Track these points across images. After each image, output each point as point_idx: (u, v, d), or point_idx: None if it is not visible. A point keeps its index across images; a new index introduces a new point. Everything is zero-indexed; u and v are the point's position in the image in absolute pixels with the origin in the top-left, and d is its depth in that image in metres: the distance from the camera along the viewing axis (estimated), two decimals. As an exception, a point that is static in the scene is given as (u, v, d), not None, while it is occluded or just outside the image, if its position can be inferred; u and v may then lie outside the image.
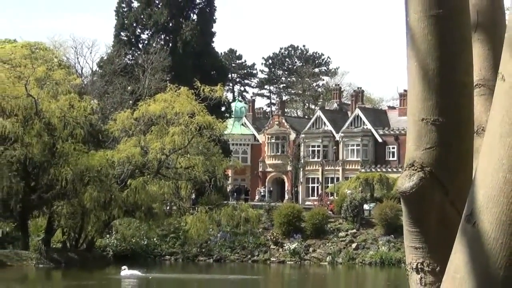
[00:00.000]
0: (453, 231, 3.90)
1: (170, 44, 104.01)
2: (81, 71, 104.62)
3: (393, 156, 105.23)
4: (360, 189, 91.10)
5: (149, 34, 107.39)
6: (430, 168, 4.18)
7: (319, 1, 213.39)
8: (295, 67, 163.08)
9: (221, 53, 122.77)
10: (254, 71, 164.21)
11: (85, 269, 69.64)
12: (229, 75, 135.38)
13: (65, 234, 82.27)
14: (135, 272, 68.03)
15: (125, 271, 68.01)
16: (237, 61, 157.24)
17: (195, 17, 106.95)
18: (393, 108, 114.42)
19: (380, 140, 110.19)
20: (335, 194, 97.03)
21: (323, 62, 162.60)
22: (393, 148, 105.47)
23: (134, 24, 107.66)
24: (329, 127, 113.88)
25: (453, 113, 4.22)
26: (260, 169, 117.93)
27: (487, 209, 3.69)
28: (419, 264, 4.26)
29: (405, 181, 4.23)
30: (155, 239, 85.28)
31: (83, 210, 78.05)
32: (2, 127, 75.00)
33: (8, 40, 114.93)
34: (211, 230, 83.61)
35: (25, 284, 66.90)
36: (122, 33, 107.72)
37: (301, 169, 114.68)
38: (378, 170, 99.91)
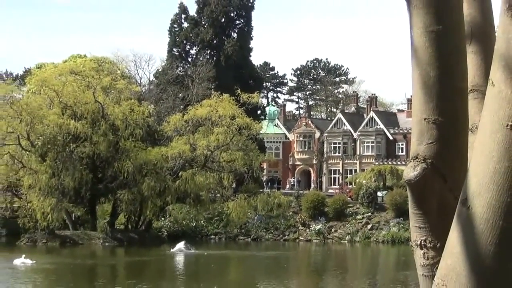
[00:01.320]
0: (451, 213, 3.88)
1: (214, 58, 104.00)
2: (140, 81, 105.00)
3: (402, 151, 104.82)
4: (374, 179, 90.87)
5: (196, 50, 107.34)
6: (431, 160, 4.17)
7: (340, 21, 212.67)
8: (319, 77, 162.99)
9: (257, 65, 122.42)
10: (285, 80, 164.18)
11: (143, 246, 69.74)
12: (264, 84, 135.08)
13: (127, 217, 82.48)
14: (183, 247, 68.26)
15: (178, 246, 68.26)
16: (271, 72, 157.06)
17: (235, 35, 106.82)
18: (402, 111, 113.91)
19: (391, 138, 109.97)
20: (353, 183, 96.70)
21: (343, 73, 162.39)
22: (402, 144, 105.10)
23: (184, 41, 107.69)
24: (348, 127, 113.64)
25: (450, 114, 4.21)
26: (290, 163, 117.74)
27: (479, 195, 3.68)
28: (422, 241, 4.25)
29: (410, 171, 4.22)
30: (202, 221, 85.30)
31: (142, 197, 78.23)
32: (74, 128, 75.40)
33: (79, 55, 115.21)
34: (249, 214, 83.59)
35: (94, 259, 66.98)
36: (174, 49, 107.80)
37: (325, 163, 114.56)
38: (389, 163, 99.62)
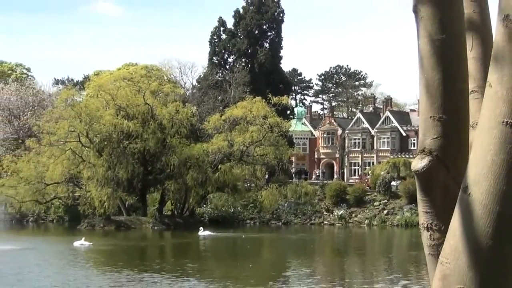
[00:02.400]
0: (454, 199, 3.88)
1: (249, 66, 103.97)
2: (184, 85, 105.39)
3: (414, 146, 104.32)
4: (389, 170, 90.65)
5: (233, 58, 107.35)
6: (436, 153, 4.16)
7: (359, 31, 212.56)
8: (341, 81, 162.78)
9: (287, 72, 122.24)
10: (311, 84, 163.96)
11: (187, 230, 69.87)
12: (292, 88, 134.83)
13: (173, 204, 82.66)
14: (209, 232, 68.32)
15: (202, 232, 68.31)
16: (298, 77, 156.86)
17: (267, 45, 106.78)
18: (413, 110, 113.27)
19: (404, 134, 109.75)
20: (371, 174, 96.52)
21: (361, 77, 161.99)
22: (414, 140, 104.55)
23: (223, 51, 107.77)
24: (366, 125, 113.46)
25: (453, 112, 4.21)
26: (316, 156, 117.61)
27: (478, 183, 3.68)
28: (429, 224, 4.25)
29: (418, 162, 4.22)
30: (239, 208, 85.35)
31: (186, 187, 78.49)
32: (127, 127, 75.77)
33: (131, 63, 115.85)
34: (279, 201, 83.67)
35: (145, 241, 67.26)
36: (214, 58, 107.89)
37: (346, 156, 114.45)
38: (403, 156, 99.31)
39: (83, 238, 56.97)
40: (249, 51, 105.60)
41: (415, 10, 4.30)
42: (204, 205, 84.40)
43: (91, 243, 56.18)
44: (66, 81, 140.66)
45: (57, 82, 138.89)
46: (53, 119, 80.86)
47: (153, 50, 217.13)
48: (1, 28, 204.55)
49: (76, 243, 55.93)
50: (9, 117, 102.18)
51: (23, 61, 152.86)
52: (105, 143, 77.77)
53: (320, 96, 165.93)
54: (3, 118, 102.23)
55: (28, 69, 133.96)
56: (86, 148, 78.02)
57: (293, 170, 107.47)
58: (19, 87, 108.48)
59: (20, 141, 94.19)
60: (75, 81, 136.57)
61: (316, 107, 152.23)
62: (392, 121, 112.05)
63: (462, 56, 4.36)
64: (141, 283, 35.47)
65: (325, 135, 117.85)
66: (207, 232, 67.83)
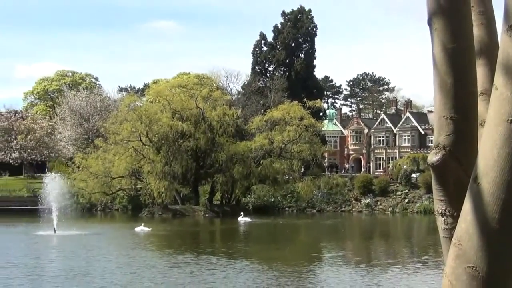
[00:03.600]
0: (465, 188, 3.86)
1: (287, 74, 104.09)
2: (230, 91, 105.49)
3: (431, 143, 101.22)
4: (409, 164, 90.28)
5: (273, 67, 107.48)
6: (449, 148, 4.15)
7: (382, 41, 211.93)
8: (367, 86, 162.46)
9: (319, 78, 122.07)
10: (341, 90, 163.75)
11: (234, 217, 70.00)
12: (325, 93, 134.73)
13: (222, 195, 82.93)
14: (248, 219, 68.42)
15: (241, 217, 68.46)
16: (330, 83, 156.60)
17: (302, 55, 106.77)
18: (431, 111, 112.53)
19: (422, 132, 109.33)
20: (394, 167, 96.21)
21: (385, 83, 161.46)
22: (431, 137, 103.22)
23: (264, 61, 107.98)
24: (389, 124, 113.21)
25: (464, 112, 4.20)
26: (345, 152, 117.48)
27: (486, 174, 3.66)
28: (443, 210, 4.23)
29: (433, 156, 4.22)
30: (278, 197, 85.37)
31: (233, 179, 78.72)
32: (181, 128, 76.16)
33: (185, 72, 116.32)
34: (314, 191, 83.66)
35: (197, 227, 67.48)
36: (256, 67, 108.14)
37: (372, 152, 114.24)
38: (422, 152, 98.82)
39: (143, 224, 57.34)
40: (287, 61, 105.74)
41: (430, 23, 4.29)
42: (248, 195, 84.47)
43: (150, 229, 56.50)
44: (129, 89, 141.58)
45: (121, 89, 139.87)
46: (117, 122, 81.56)
47: (204, 61, 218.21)
48: (74, 43, 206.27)
49: (137, 229, 56.30)
50: (80, 120, 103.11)
51: (92, 71, 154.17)
52: (163, 141, 78.19)
53: (348, 99, 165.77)
54: (75, 121, 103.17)
55: (96, 79, 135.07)
56: (146, 146, 78.45)
57: (325, 164, 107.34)
58: (89, 94, 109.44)
59: (90, 140, 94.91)
60: (136, 89, 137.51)
61: (345, 109, 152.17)
62: (412, 121, 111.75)
63: (472, 62, 4.35)
64: (197, 264, 35.59)
65: (353, 134, 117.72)
66: (246, 219, 68.05)
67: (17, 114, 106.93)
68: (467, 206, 3.79)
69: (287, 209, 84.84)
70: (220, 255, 39.50)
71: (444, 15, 4.20)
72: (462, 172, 4.17)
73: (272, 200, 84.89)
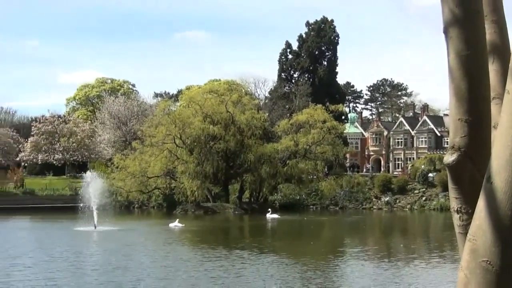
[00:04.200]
0: (479, 187, 3.84)
1: (311, 80, 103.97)
2: (258, 96, 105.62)
3: (447, 144, 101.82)
4: (426, 164, 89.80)
5: (298, 74, 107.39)
6: (464, 149, 4.14)
7: (400, 49, 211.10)
8: (386, 92, 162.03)
9: (341, 84, 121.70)
10: (361, 95, 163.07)
11: (262, 214, 69.99)
12: (346, 97, 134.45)
13: (250, 193, 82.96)
14: (275, 215, 68.29)
15: (269, 214, 68.40)
16: (351, 89, 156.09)
17: (325, 63, 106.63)
18: (446, 115, 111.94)
19: (439, 134, 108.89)
20: (411, 167, 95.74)
21: (403, 88, 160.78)
22: (447, 139, 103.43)
23: (289, 68, 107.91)
24: (407, 127, 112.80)
25: (477, 115, 4.18)
26: (366, 153, 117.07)
27: (499, 174, 3.65)
28: (458, 208, 4.22)
29: (449, 157, 4.21)
30: (303, 195, 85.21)
31: (261, 179, 78.76)
32: (212, 131, 76.32)
33: (216, 79, 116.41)
34: (336, 190, 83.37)
35: (228, 223, 67.54)
36: (282, 74, 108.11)
37: (391, 153, 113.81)
38: (438, 152, 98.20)
39: (177, 220, 57.42)
40: (311, 68, 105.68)
41: (445, 32, 4.28)
42: (275, 193, 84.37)
43: (184, 225, 56.59)
44: (163, 94, 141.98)
45: (156, 95, 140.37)
46: (153, 125, 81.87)
47: (233, 68, 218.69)
48: (112, 52, 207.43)
49: (171, 225, 56.41)
50: (118, 124, 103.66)
51: (130, 78, 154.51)
52: (195, 143, 78.35)
53: (369, 104, 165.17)
54: (114, 125, 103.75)
55: (133, 85, 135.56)
56: (180, 148, 78.69)
57: (347, 165, 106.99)
58: (126, 99, 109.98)
59: (127, 143, 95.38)
60: (170, 94, 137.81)
61: (365, 113, 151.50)
62: (428, 124, 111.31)
63: (485, 68, 4.34)
64: (228, 258, 35.63)
65: (373, 136, 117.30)
66: (273, 215, 67.97)
67: (60, 118, 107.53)
68: (481, 204, 3.78)
69: (311, 206, 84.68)
70: (249, 250, 39.52)
71: (459, 25, 4.19)
72: (476, 171, 4.15)
73: (298, 198, 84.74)
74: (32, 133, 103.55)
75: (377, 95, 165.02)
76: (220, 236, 52.53)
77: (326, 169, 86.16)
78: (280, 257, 36.11)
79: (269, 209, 70.30)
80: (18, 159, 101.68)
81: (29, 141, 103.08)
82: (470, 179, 4.18)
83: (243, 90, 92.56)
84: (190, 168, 76.12)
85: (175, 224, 56.24)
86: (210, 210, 76.21)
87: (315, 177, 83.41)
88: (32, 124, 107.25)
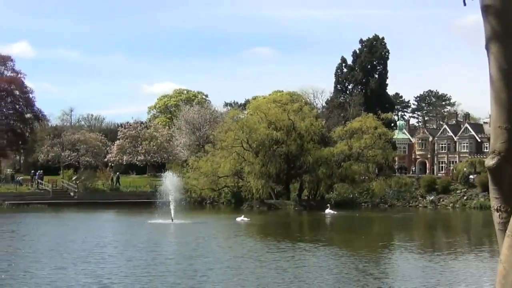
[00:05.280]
0: (517, 188, 3.79)
1: (363, 91, 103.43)
2: (316, 105, 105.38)
3: (486, 149, 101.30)
4: (468, 167, 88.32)
5: (352, 86, 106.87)
6: (503, 154, 4.07)
7: (444, 62, 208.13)
8: (431, 101, 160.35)
9: (391, 95, 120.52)
10: (409, 104, 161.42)
11: (319, 210, 69.75)
12: (395, 107, 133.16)
13: (309, 191, 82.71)
14: (333, 211, 67.92)
15: (328, 209, 68.09)
16: (400, 99, 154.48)
17: (376, 76, 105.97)
18: (486, 122, 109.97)
19: (479, 140, 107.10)
20: (454, 170, 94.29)
21: (447, 98, 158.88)
22: (486, 144, 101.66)
23: (344, 81, 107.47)
24: (450, 134, 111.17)
25: (517, 123, 4.12)
26: (413, 157, 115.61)
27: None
28: (498, 207, 4.15)
29: (490, 161, 4.14)
30: (356, 194, 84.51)
31: (318, 179, 78.60)
32: (276, 136, 76.60)
33: (279, 90, 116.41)
34: (386, 189, 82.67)
35: (288, 218, 67.42)
36: (338, 86, 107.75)
37: (435, 156, 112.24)
38: (478, 157, 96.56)
39: (243, 215, 57.61)
40: (363, 80, 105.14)
41: (487, 48, 4.21)
42: (331, 192, 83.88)
43: (249, 219, 56.74)
44: (232, 104, 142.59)
45: (226, 104, 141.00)
46: (223, 131, 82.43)
47: (294, 80, 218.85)
48: (188, 66, 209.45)
49: (238, 219, 56.53)
50: (193, 129, 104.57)
51: (203, 89, 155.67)
52: (260, 147, 78.54)
53: (416, 112, 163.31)
54: (189, 130, 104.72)
55: (206, 95, 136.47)
56: (247, 151, 78.98)
57: (396, 167, 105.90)
58: (200, 108, 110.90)
59: (201, 146, 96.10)
60: (239, 103, 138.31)
61: (413, 121, 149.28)
62: (470, 131, 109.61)
63: None
64: (291, 250, 35.60)
65: (419, 141, 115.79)
66: (331, 211, 67.65)
67: (142, 124, 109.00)
68: (519, 203, 3.72)
69: (363, 204, 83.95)
70: (309, 242, 39.42)
71: (500, 41, 4.12)
72: (515, 174, 4.08)
73: (351, 196, 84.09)
74: (118, 137, 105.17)
75: (423, 104, 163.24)
76: (283, 230, 52.48)
77: (376, 170, 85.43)
78: (337, 249, 35.94)
79: (328, 204, 70.18)
80: (106, 159, 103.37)
81: (115, 144, 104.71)
82: (509, 180, 4.11)
83: (303, 100, 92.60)
84: (255, 169, 76.40)
85: (242, 219, 56.40)
86: (273, 206, 76.26)
87: (366, 177, 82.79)
88: (118, 129, 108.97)
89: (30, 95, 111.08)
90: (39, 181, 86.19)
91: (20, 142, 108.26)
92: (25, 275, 25.92)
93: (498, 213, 4.18)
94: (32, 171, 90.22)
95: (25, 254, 32.97)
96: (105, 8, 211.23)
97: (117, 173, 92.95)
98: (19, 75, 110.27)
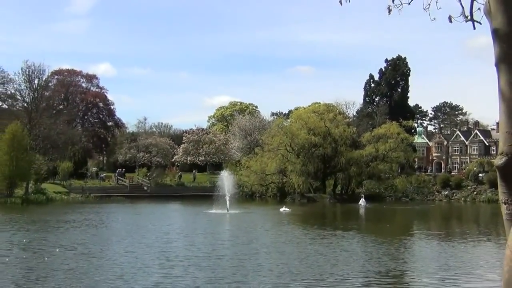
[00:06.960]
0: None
1: (388, 103, 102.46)
2: (348, 115, 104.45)
3: (493, 152, 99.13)
4: (477, 167, 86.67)
5: (378, 98, 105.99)
6: (510, 155, 4.00)
7: (458, 78, 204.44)
8: (446, 111, 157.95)
9: (412, 106, 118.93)
10: (427, 114, 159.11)
11: (350, 203, 69.34)
12: (415, 116, 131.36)
13: (341, 187, 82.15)
14: (365, 203, 67.39)
15: (362, 200, 67.63)
16: (419, 109, 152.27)
17: (399, 89, 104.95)
18: (493, 129, 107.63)
19: (487, 144, 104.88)
20: (466, 169, 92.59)
21: (459, 109, 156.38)
22: (493, 148, 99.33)
23: (372, 94, 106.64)
24: (462, 138, 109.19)
25: (522, 129, 4.04)
26: (430, 158, 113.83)
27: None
28: (505, 200, 4.08)
29: (498, 161, 4.08)
30: (382, 189, 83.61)
31: (349, 176, 78.21)
32: (314, 140, 76.19)
33: (317, 102, 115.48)
34: (407, 185, 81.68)
35: (324, 209, 67.07)
36: (366, 98, 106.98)
37: (449, 158, 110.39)
38: (486, 158, 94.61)
39: (284, 206, 57.71)
40: (388, 94, 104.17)
41: (497, 65, 4.15)
42: (360, 187, 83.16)
43: (291, 209, 56.70)
44: (278, 113, 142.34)
45: (273, 114, 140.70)
46: (270, 136, 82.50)
47: (330, 93, 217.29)
48: (242, 82, 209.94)
49: (281, 209, 56.58)
50: (245, 135, 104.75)
51: (254, 101, 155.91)
52: (301, 150, 78.36)
53: (432, 120, 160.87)
54: (242, 135, 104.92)
55: (256, 106, 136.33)
56: (289, 153, 78.94)
57: (415, 166, 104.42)
58: (251, 117, 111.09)
59: (251, 149, 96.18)
60: (283, 113, 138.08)
61: (430, 128, 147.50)
62: (479, 136, 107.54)
63: None
64: (330, 236, 35.41)
65: (436, 145, 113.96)
66: (364, 201, 67.43)
67: (203, 131, 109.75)
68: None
69: (387, 198, 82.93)
70: (342, 231, 39.18)
71: (509, 60, 4.06)
72: (520, 172, 4.02)
73: (377, 191, 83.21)
74: (183, 141, 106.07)
75: (439, 114, 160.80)
76: (319, 219, 52.23)
77: (399, 169, 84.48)
78: (366, 236, 35.61)
79: (362, 195, 69.85)
80: (173, 160, 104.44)
81: (181, 147, 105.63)
82: (515, 178, 4.04)
83: (337, 110, 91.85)
84: (297, 168, 76.30)
85: (284, 209, 56.42)
86: (311, 199, 76.01)
87: (391, 175, 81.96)
88: (183, 134, 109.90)
89: (112, 107, 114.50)
90: (119, 177, 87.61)
91: (103, 145, 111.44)
92: (115, 254, 26.26)
93: (506, 205, 4.13)
94: (118, 170, 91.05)
95: (111, 234, 33.45)
96: (171, 32, 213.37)
97: (179, 173, 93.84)
98: (103, 90, 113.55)
